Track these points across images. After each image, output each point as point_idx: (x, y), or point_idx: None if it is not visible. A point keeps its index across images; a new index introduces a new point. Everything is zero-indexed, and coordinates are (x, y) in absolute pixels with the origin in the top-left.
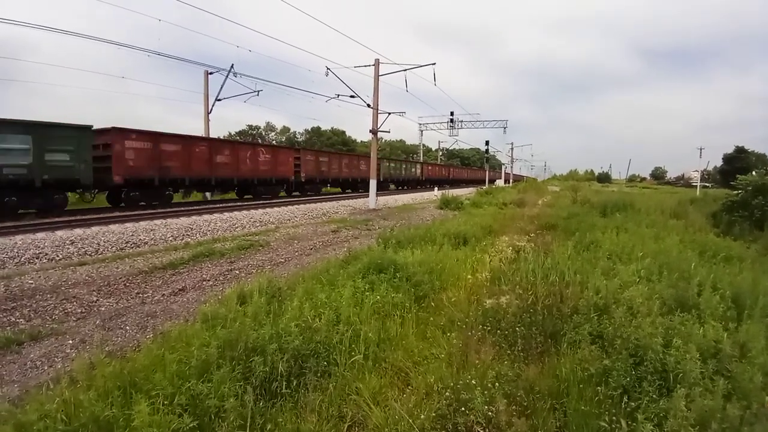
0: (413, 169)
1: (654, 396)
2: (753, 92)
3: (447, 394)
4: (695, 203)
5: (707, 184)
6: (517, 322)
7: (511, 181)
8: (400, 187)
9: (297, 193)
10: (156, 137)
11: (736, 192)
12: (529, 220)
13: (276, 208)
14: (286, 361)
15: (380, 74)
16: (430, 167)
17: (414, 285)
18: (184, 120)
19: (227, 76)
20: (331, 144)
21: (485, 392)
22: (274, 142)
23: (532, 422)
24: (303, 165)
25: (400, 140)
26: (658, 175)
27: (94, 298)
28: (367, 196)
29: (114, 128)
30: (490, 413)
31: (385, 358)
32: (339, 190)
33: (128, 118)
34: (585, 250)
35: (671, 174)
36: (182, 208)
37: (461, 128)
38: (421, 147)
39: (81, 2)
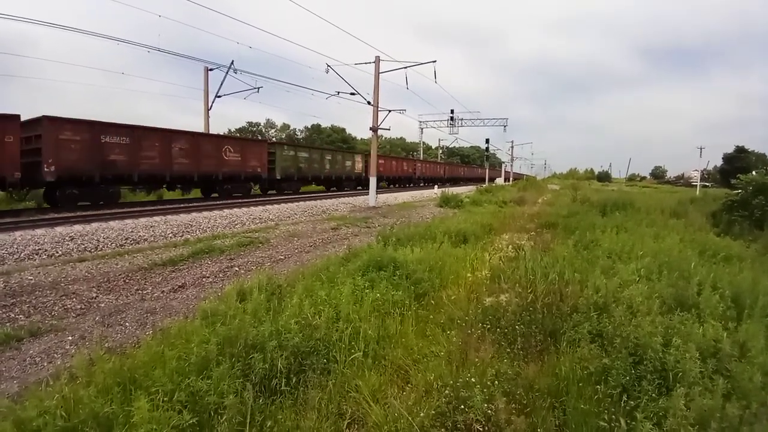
0: (348, 163)
1: (653, 395)
2: (753, 92)
3: (446, 392)
4: (695, 203)
5: (707, 184)
6: (517, 321)
7: (511, 179)
8: (331, 189)
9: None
10: None
11: (736, 191)
12: (528, 219)
13: (276, 206)
14: (285, 359)
15: (381, 71)
16: (381, 161)
17: (414, 283)
18: (184, 116)
19: (227, 73)
20: (331, 141)
21: (485, 390)
22: (274, 139)
23: (531, 420)
24: (49, 147)
25: (401, 138)
26: (658, 175)
27: (94, 295)
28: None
29: None
30: (489, 411)
31: (384, 355)
32: (178, 194)
33: (128, 114)
34: (585, 249)
35: (671, 173)
36: (182, 205)
37: (461, 126)
38: (421, 144)
39: None
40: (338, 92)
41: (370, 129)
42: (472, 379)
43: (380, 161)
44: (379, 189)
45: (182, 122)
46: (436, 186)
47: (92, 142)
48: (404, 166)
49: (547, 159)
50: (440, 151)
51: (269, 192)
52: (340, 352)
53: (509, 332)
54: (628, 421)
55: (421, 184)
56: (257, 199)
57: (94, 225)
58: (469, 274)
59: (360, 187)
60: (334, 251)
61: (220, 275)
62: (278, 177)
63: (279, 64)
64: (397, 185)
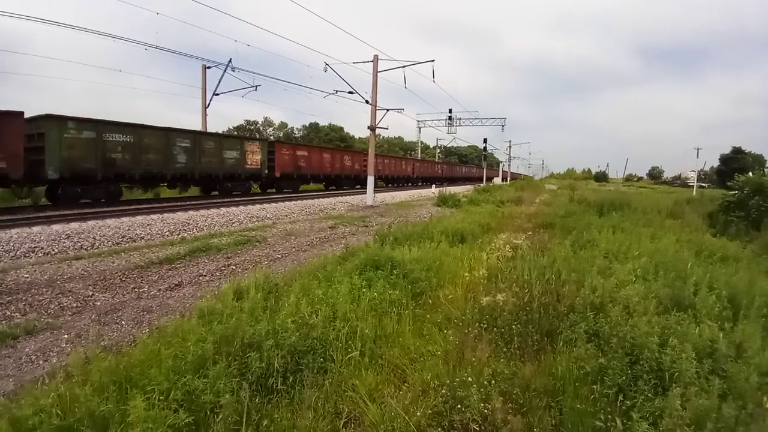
0: (231, 154)
1: (649, 395)
2: (750, 93)
3: (443, 391)
4: (692, 203)
5: (704, 184)
6: (514, 320)
7: (508, 179)
8: (213, 195)
9: None
10: None
11: (732, 192)
12: (526, 218)
13: (273, 204)
14: (282, 357)
15: (379, 70)
16: (285, 151)
17: (411, 282)
18: (181, 114)
19: (225, 71)
20: (329, 140)
21: (481, 390)
22: (272, 137)
23: (527, 420)
24: None
25: (398, 137)
26: (654, 175)
27: (90, 293)
28: None
29: None
30: (486, 411)
31: (381, 354)
32: None
33: (125, 112)
34: (582, 249)
35: (668, 173)
36: (179, 203)
37: (459, 126)
38: (419, 144)
39: None
40: (336, 91)
41: (369, 128)
42: (469, 379)
43: (301, 153)
44: (310, 193)
45: (179, 120)
46: (433, 186)
47: None
48: (345, 160)
49: (545, 159)
50: (438, 151)
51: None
52: (336, 351)
53: (506, 332)
54: (624, 421)
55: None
56: (254, 198)
57: (91, 223)
58: (466, 274)
59: (272, 190)
60: (332, 250)
61: (217, 274)
62: (52, 176)
63: (277, 62)
64: (333, 187)
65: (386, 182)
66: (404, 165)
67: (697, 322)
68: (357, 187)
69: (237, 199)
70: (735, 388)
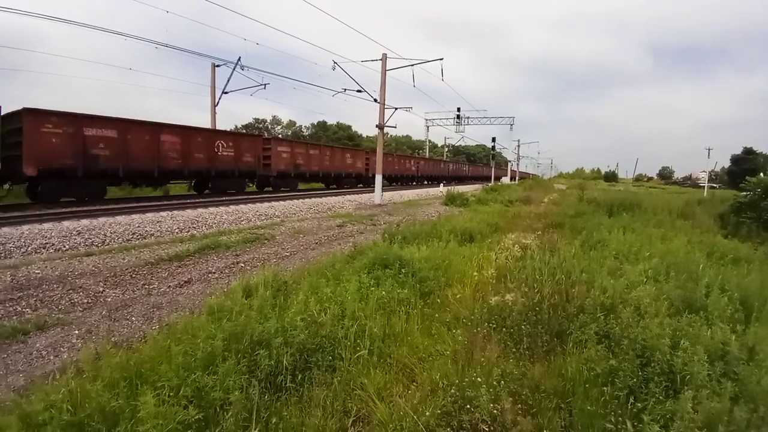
0: None
1: (660, 397)
2: (760, 92)
3: (452, 391)
4: (703, 204)
5: (714, 185)
6: (523, 320)
7: (517, 178)
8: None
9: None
10: None
11: (744, 193)
12: (535, 218)
13: (281, 202)
14: (291, 355)
15: (387, 69)
16: (51, 126)
17: (419, 281)
18: (190, 113)
19: (234, 69)
20: (337, 138)
21: (490, 390)
22: (280, 135)
23: (537, 421)
24: None
25: (407, 135)
26: (665, 175)
27: (101, 289)
28: None
29: None
30: (495, 411)
31: (390, 353)
32: None
33: (135, 110)
34: (591, 249)
35: (678, 174)
36: (188, 201)
37: (468, 124)
38: (427, 142)
39: None
40: (344, 89)
41: (377, 126)
42: (478, 379)
43: (101, 132)
44: (318, 191)
45: (189, 118)
46: (441, 184)
47: None
48: (219, 148)
49: (554, 158)
50: (446, 149)
51: None
52: (345, 349)
53: (515, 332)
54: (635, 423)
55: (288, 192)
56: (263, 196)
57: (101, 219)
58: (475, 273)
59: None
60: (340, 248)
61: (226, 271)
62: None
63: (286, 60)
64: (207, 191)
65: (327, 183)
66: (349, 158)
67: (709, 324)
68: (268, 190)
69: (246, 197)
70: (747, 391)
